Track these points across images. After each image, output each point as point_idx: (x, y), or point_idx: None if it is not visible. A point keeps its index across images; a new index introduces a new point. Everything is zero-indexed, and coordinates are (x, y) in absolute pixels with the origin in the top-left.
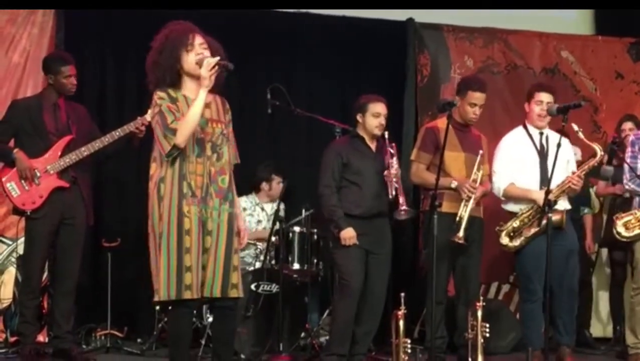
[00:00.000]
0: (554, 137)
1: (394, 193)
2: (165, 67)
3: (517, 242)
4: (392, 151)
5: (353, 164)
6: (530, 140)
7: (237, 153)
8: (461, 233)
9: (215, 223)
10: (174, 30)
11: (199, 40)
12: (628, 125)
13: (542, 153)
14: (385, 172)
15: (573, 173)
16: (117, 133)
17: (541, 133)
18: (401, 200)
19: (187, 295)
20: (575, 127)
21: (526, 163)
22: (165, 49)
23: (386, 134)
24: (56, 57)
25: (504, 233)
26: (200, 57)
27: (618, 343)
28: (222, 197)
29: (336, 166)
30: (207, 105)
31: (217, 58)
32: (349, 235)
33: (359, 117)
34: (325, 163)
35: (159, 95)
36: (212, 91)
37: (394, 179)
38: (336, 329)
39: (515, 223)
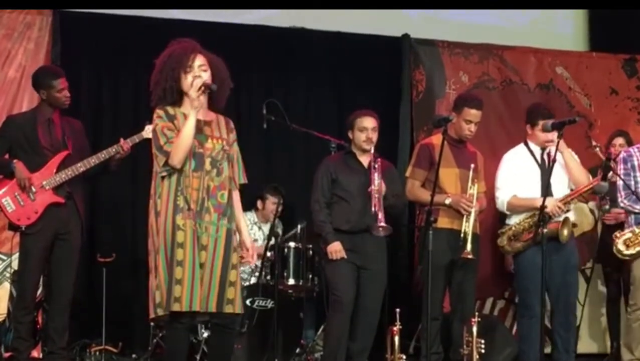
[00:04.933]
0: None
1: (374, 209)
2: (165, 87)
3: (515, 246)
4: (375, 166)
5: (341, 180)
6: (531, 155)
7: (244, 173)
8: (469, 248)
9: (212, 238)
10: (176, 50)
11: (198, 61)
12: (619, 140)
13: (544, 168)
14: (369, 188)
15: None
16: (113, 150)
17: (543, 149)
18: (380, 216)
19: (175, 307)
20: (594, 142)
21: (527, 176)
22: (165, 69)
23: (372, 149)
24: (46, 71)
25: (504, 236)
26: (192, 79)
27: (614, 359)
28: (220, 212)
29: (325, 182)
30: (207, 124)
31: (202, 80)
32: (335, 248)
33: (349, 134)
34: (316, 179)
35: (157, 114)
36: (216, 111)
37: (376, 195)
38: (329, 344)
39: (515, 228)
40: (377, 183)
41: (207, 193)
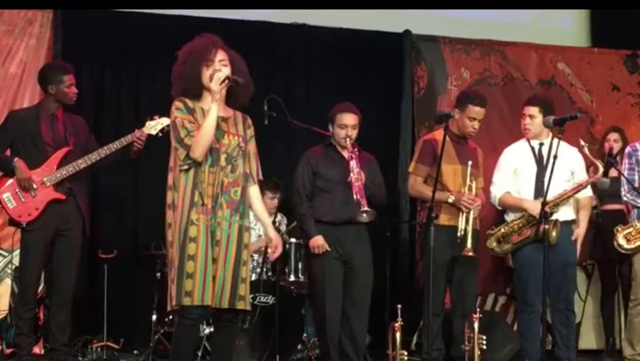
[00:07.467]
0: (561, 147)
1: (356, 197)
2: (188, 79)
3: (504, 248)
4: (352, 156)
5: (322, 172)
6: (531, 151)
7: (259, 169)
8: (469, 246)
9: (225, 233)
10: (198, 43)
11: (219, 56)
12: (613, 136)
13: (541, 164)
14: (349, 178)
15: (578, 184)
16: (115, 146)
17: (541, 144)
18: (363, 202)
19: (186, 301)
20: (582, 142)
21: (523, 173)
22: (188, 62)
23: (348, 141)
24: (57, 66)
25: (493, 238)
26: (212, 73)
27: (611, 354)
28: (233, 208)
29: (306, 174)
30: (224, 120)
31: (226, 72)
32: (317, 243)
33: (330, 127)
34: (297, 172)
35: (176, 105)
36: (234, 108)
37: (357, 184)
38: (318, 333)
39: (505, 230)
40: (356, 171)
41: (221, 189)
